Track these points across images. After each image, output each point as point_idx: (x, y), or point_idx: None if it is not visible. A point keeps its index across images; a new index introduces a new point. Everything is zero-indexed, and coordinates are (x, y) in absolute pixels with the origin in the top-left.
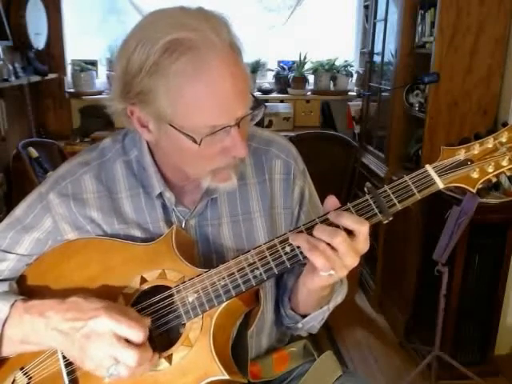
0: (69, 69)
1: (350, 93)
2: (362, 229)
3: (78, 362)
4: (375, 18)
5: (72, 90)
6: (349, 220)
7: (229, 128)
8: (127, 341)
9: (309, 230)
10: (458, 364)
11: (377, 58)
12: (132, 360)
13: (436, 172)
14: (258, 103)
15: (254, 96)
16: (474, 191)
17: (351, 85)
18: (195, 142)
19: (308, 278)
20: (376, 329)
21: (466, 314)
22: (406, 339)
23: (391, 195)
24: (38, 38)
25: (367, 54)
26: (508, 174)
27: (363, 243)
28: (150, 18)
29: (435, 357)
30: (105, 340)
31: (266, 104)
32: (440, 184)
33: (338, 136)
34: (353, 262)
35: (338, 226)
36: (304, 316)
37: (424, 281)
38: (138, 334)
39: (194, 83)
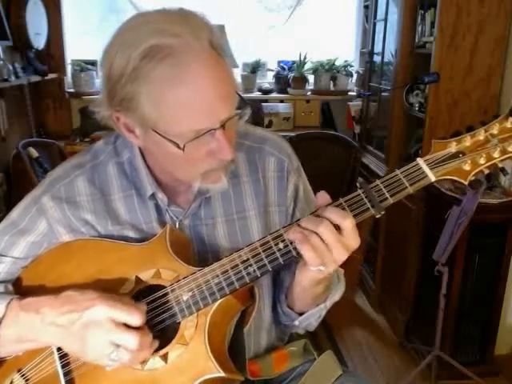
0: (69, 69)
1: (350, 93)
2: (345, 222)
3: (78, 354)
4: (375, 18)
5: (72, 90)
6: (332, 214)
7: (213, 131)
8: (126, 326)
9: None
10: (458, 364)
11: (377, 58)
12: (132, 343)
13: (428, 165)
14: (243, 103)
15: (240, 96)
16: (466, 183)
17: (351, 85)
18: (179, 147)
19: (299, 274)
20: (376, 329)
21: (466, 314)
22: (406, 339)
23: (383, 189)
24: (38, 38)
25: (367, 54)
26: (500, 165)
27: (351, 237)
28: (130, 23)
29: (435, 357)
30: (103, 327)
31: (266, 104)
32: (432, 177)
33: (338, 136)
34: (341, 256)
35: None
36: (301, 314)
37: (424, 281)
38: (135, 318)
39: (175, 88)
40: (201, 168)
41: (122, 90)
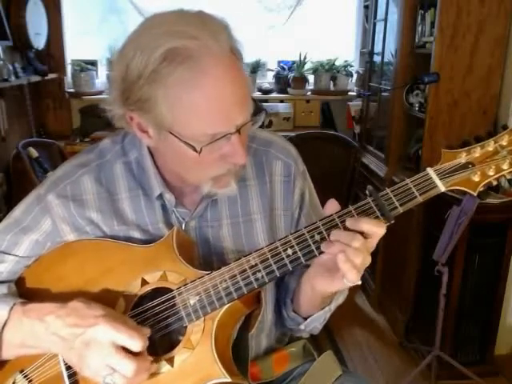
0: (69, 69)
1: (350, 93)
2: (380, 231)
3: (75, 367)
4: (375, 18)
5: (72, 90)
6: (369, 224)
7: (229, 135)
8: (126, 350)
9: (310, 233)
10: (458, 364)
11: (377, 58)
12: (129, 371)
13: (437, 175)
14: (258, 108)
15: (255, 101)
16: (475, 194)
17: (351, 85)
18: (195, 150)
19: (320, 282)
20: (376, 329)
21: (466, 314)
22: (406, 339)
23: (393, 198)
24: (38, 38)
25: (367, 54)
26: (508, 177)
27: (374, 244)
28: (148, 24)
29: (435, 357)
30: (103, 349)
31: (266, 104)
32: (441, 187)
33: (338, 136)
34: (368, 263)
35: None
36: (306, 318)
37: (424, 281)
38: (137, 343)
39: (193, 92)
40: (212, 172)
41: (138, 91)
